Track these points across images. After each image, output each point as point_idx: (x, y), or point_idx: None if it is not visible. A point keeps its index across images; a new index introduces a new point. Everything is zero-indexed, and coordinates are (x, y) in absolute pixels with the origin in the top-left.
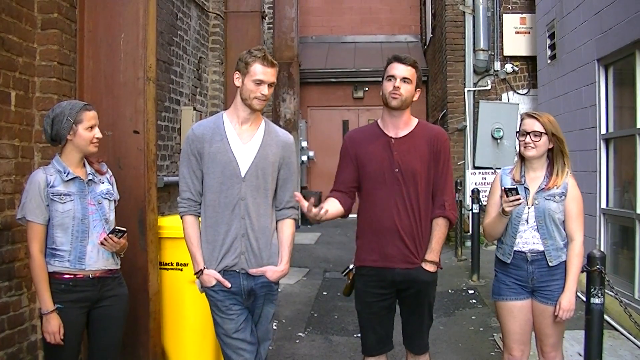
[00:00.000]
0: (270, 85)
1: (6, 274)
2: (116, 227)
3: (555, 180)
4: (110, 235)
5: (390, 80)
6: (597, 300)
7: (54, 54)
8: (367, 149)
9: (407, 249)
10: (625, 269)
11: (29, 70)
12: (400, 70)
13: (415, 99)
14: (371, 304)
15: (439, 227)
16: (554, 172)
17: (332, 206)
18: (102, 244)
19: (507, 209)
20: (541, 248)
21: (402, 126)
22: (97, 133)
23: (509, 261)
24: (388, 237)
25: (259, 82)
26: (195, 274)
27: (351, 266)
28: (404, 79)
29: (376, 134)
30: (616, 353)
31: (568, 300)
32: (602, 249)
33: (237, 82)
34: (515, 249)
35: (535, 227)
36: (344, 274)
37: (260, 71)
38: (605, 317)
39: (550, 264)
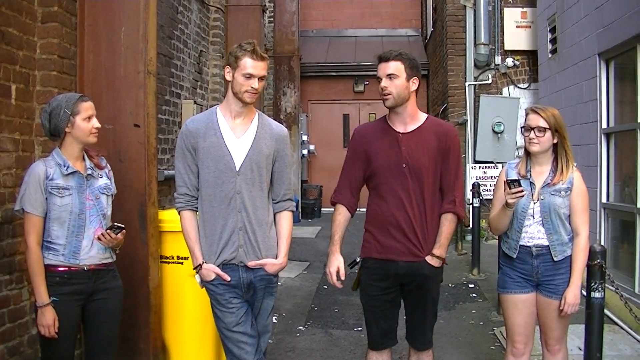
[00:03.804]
0: (260, 78)
1: (7, 267)
2: (115, 224)
3: (561, 175)
4: (107, 231)
5: (379, 81)
6: (597, 295)
7: (54, 47)
8: (376, 144)
9: (410, 243)
10: (626, 264)
11: (29, 64)
12: (382, 69)
13: (413, 89)
14: (374, 297)
15: (448, 223)
16: (559, 167)
17: (344, 222)
18: (98, 239)
19: (509, 201)
20: (546, 243)
21: (409, 121)
22: (95, 123)
23: (514, 255)
24: (393, 230)
25: (249, 76)
26: (194, 268)
27: (358, 259)
28: (389, 76)
29: (385, 130)
30: (616, 347)
31: (573, 294)
32: (602, 244)
33: (228, 77)
34: (520, 243)
35: (541, 222)
36: (351, 267)
37: (250, 65)
38: (606, 311)
39: (555, 259)
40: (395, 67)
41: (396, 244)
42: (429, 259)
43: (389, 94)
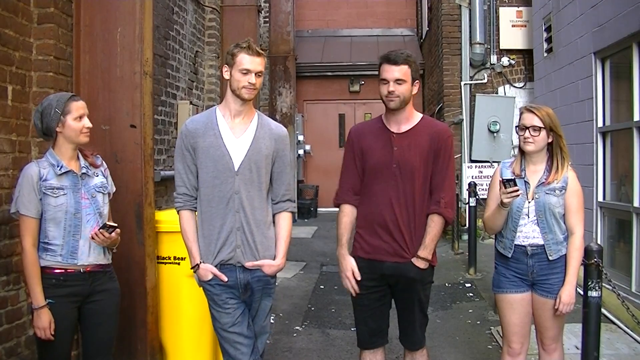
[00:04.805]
0: (257, 74)
1: (4, 269)
2: (106, 223)
3: (555, 174)
4: (100, 230)
5: (384, 83)
6: (594, 294)
7: (51, 48)
8: (370, 143)
9: (396, 243)
10: (622, 263)
11: (25, 65)
12: (391, 72)
13: (414, 92)
14: (362, 295)
15: (434, 224)
16: (554, 166)
17: (350, 223)
18: (92, 238)
19: (505, 200)
20: (541, 242)
21: (404, 122)
22: (86, 123)
23: (509, 255)
24: (380, 230)
25: (246, 72)
26: (191, 268)
27: None
28: (397, 81)
29: (380, 129)
30: (613, 346)
31: (568, 293)
32: (599, 243)
33: (226, 75)
34: (515, 242)
35: (536, 221)
36: None
37: (247, 60)
38: (603, 310)
39: (550, 258)
40: (403, 71)
41: (383, 244)
42: (414, 260)
43: (396, 97)
